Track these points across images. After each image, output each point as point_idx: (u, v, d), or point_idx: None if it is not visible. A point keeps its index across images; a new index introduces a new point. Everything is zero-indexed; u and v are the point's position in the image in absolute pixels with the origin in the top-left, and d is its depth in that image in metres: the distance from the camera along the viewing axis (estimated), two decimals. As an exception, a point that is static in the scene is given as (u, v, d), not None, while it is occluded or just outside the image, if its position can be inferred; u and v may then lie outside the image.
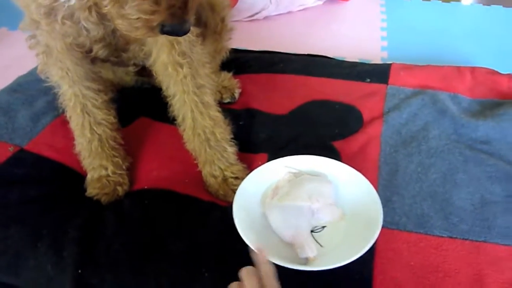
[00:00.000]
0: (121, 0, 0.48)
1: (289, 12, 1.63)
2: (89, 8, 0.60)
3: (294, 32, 1.53)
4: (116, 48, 0.75)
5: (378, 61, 1.31)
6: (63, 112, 0.84)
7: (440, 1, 1.77)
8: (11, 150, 0.85)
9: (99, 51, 0.72)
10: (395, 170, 0.79)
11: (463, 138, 0.85)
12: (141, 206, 0.75)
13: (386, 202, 0.73)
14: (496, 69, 1.08)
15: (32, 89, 1.02)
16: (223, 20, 0.98)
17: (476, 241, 0.67)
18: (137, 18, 0.49)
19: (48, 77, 0.77)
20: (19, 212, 0.73)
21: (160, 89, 0.79)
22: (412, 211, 0.72)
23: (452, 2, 1.77)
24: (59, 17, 0.62)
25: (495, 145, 0.83)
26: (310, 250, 0.63)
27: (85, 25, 0.64)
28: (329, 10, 1.69)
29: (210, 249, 0.68)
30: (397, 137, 0.87)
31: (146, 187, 0.80)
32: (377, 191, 0.72)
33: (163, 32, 0.51)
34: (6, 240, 0.69)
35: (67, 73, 0.72)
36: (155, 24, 0.49)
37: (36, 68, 1.13)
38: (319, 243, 0.66)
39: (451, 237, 0.68)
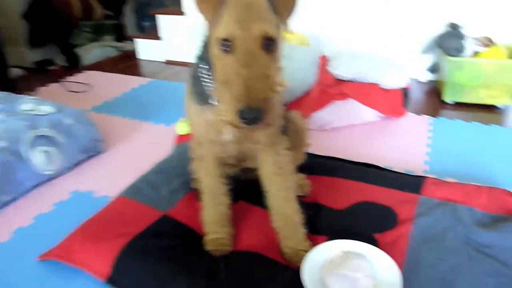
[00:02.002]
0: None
1: (351, 125, 2.06)
2: (235, 141, 1.07)
3: (354, 142, 1.93)
4: (240, 160, 1.21)
5: (420, 173, 1.65)
6: (191, 191, 1.31)
7: (481, 123, 2.10)
8: (157, 214, 1.31)
9: (230, 161, 1.19)
10: (417, 259, 1.13)
11: (471, 242, 1.17)
12: (241, 261, 1.15)
13: (407, 281, 1.06)
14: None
15: (171, 172, 1.51)
16: (302, 139, 1.43)
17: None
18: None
19: (195, 173, 1.24)
20: (166, 254, 1.15)
21: (255, 180, 1.21)
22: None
23: (492, 125, 2.08)
24: (216, 144, 1.09)
25: (494, 249, 1.14)
26: None
27: (229, 149, 1.11)
28: (385, 124, 2.09)
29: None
30: (422, 236, 1.20)
31: (243, 249, 1.20)
32: (402, 271, 1.06)
33: (239, 115, 0.80)
34: (158, 271, 1.11)
35: (210, 172, 1.18)
36: (233, 112, 0.81)
37: (169, 156, 1.63)
38: None
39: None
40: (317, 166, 1.55)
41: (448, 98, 2.35)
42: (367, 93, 2.01)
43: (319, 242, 1.19)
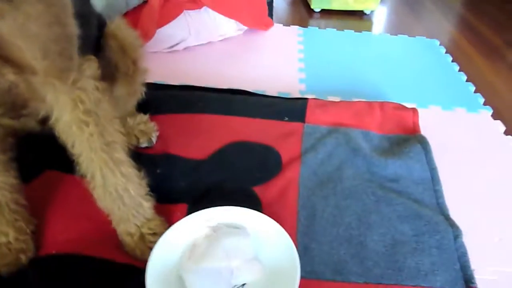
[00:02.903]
0: None
1: (209, 43, 1.62)
2: None
3: (214, 63, 1.52)
4: (13, 107, 0.68)
5: (296, 94, 1.34)
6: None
7: (353, 31, 1.88)
8: None
9: None
10: (312, 214, 0.81)
11: (375, 177, 0.90)
12: (48, 276, 0.69)
13: (305, 250, 0.74)
14: (402, 99, 1.16)
15: None
16: (135, 62, 0.94)
17: (389, 284, 0.70)
18: None
19: None
20: None
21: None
22: (330, 258, 0.74)
23: (363, 32, 1.88)
24: None
25: (402, 183, 0.89)
26: None
27: None
28: (249, 40, 1.71)
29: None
30: (314, 179, 0.89)
31: (54, 251, 0.73)
32: (297, 238, 0.73)
33: None
34: None
35: None
36: None
37: None
38: None
39: (366, 283, 0.70)
40: (165, 101, 1.10)
41: (315, 5, 2.07)
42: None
43: (176, 216, 0.79)
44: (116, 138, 0.71)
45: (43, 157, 0.90)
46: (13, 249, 0.71)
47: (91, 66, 0.67)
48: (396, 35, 1.88)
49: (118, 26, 0.90)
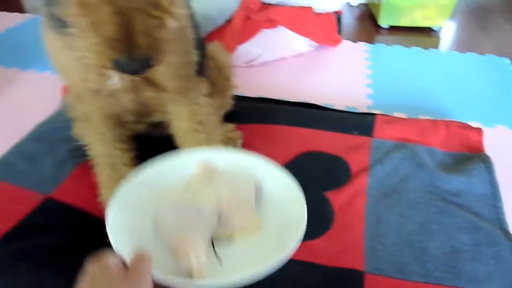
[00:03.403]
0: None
1: (282, 58, 1.76)
2: (128, 90, 0.71)
3: (287, 77, 1.65)
4: (142, 115, 0.86)
5: (364, 108, 1.44)
6: (83, 160, 0.96)
7: (421, 48, 1.93)
8: (36, 198, 0.95)
9: (129, 117, 0.84)
10: (378, 220, 0.92)
11: (437, 190, 0.98)
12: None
13: (372, 250, 0.85)
14: (468, 117, 1.21)
15: (54, 137, 1.12)
16: (228, 79, 1.11)
17: (448, 285, 0.79)
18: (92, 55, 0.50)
19: (81, 138, 0.88)
20: (48, 259, 0.82)
21: (170, 138, 0.89)
22: (393, 258, 0.84)
23: (431, 49, 1.93)
24: (102, 95, 0.73)
25: (464, 198, 0.96)
26: (195, 259, 0.51)
27: (123, 101, 0.75)
28: (319, 55, 1.83)
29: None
30: (380, 189, 0.99)
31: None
32: (364, 239, 0.84)
33: (116, 67, 0.50)
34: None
35: (101, 137, 0.83)
36: (105, 59, 0.49)
37: (53, 115, 1.24)
38: (218, 257, 0.55)
39: (426, 283, 0.80)
40: (247, 112, 1.26)
41: (383, 21, 2.14)
42: (299, 18, 1.70)
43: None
44: (219, 144, 0.87)
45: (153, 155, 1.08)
46: None
47: (205, 86, 0.83)
48: (465, 52, 1.90)
49: (216, 49, 1.08)
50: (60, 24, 0.63)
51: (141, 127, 1.10)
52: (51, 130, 1.14)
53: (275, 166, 0.66)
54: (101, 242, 0.86)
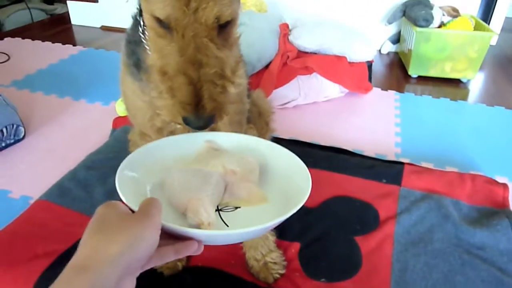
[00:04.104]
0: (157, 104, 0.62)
1: (315, 102, 1.86)
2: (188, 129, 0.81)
3: (319, 121, 1.74)
4: None
5: (392, 156, 1.50)
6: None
7: (449, 99, 1.99)
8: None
9: None
10: (405, 268, 0.96)
11: (462, 242, 1.03)
12: (198, 280, 0.93)
13: (397, 296, 0.90)
14: (494, 171, 1.26)
15: (105, 166, 1.23)
16: (267, 123, 1.20)
17: None
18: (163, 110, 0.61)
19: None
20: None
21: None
22: (418, 306, 0.89)
23: (459, 101, 1.98)
24: (165, 132, 0.83)
25: (488, 252, 1.00)
26: (205, 214, 0.55)
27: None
28: (350, 101, 1.92)
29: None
30: (407, 237, 1.04)
31: (200, 264, 0.98)
32: (390, 285, 0.89)
33: (185, 123, 0.60)
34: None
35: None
36: (177, 116, 0.60)
37: (103, 146, 1.35)
38: (224, 222, 0.59)
39: (450, 334, 0.84)
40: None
41: (413, 71, 2.22)
42: (333, 67, 1.81)
43: (290, 250, 0.99)
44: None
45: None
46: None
47: (253, 132, 0.92)
48: (493, 105, 1.94)
49: (258, 96, 1.18)
50: (136, 72, 0.75)
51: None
52: (103, 160, 1.26)
53: (279, 146, 0.71)
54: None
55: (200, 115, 0.59)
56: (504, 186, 1.22)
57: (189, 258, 1.00)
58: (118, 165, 1.05)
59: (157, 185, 0.63)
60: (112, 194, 1.13)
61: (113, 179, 1.14)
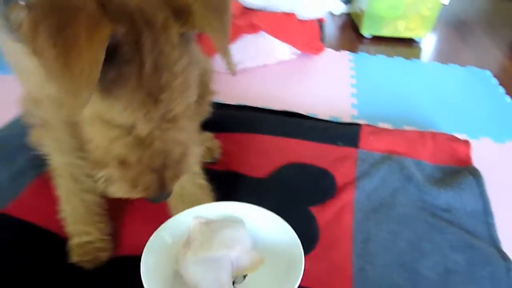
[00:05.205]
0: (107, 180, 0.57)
1: (265, 65, 1.70)
2: None
3: (269, 85, 1.59)
4: None
5: (348, 118, 1.39)
6: (43, 171, 0.86)
7: (403, 58, 1.91)
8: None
9: None
10: (367, 238, 0.85)
11: (427, 205, 0.93)
12: (125, 274, 0.77)
13: (360, 272, 0.78)
14: (452, 129, 1.19)
15: (12, 144, 1.02)
16: (206, 85, 1.03)
17: (441, 311, 0.74)
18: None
19: (39, 147, 0.78)
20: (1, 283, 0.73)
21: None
22: (383, 280, 0.78)
23: (413, 60, 1.91)
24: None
25: (455, 214, 0.91)
26: None
27: None
28: (302, 64, 1.78)
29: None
30: (368, 203, 0.93)
31: (130, 254, 0.81)
32: (352, 259, 0.77)
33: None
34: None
35: (61, 144, 0.74)
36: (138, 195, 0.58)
37: (13, 121, 1.13)
38: None
39: (419, 307, 0.74)
40: (227, 120, 1.18)
41: (366, 31, 2.12)
42: (282, 25, 1.65)
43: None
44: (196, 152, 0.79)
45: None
46: (94, 248, 0.80)
47: None
48: (446, 63, 1.89)
49: (197, 53, 1.00)
50: (18, 30, 0.56)
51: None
52: (9, 138, 1.04)
53: (258, 208, 0.75)
54: (61, 262, 0.77)
55: (163, 196, 0.59)
56: (466, 142, 1.14)
57: (116, 247, 0.83)
58: (28, 143, 0.87)
59: (175, 277, 0.67)
60: (18, 177, 0.93)
61: (20, 160, 0.95)
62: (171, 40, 0.49)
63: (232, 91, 1.51)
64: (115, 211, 0.87)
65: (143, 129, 0.52)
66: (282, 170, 1.02)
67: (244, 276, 0.66)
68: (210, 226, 0.70)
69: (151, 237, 0.68)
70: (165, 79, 0.49)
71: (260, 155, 1.06)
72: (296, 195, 0.94)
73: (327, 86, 1.62)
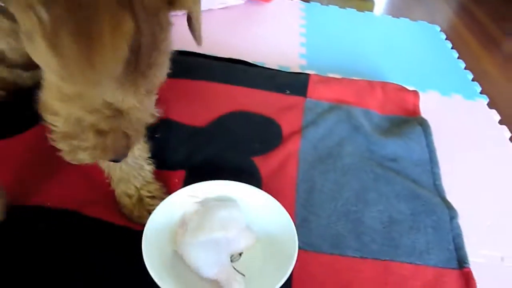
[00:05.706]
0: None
1: (209, 10, 1.57)
2: None
3: (214, 31, 1.48)
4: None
5: (296, 68, 1.32)
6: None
7: (355, 10, 1.85)
8: None
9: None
10: (311, 188, 0.81)
11: (374, 155, 0.90)
12: (36, 229, 0.67)
13: (303, 222, 0.74)
14: (401, 81, 1.17)
15: None
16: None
17: (384, 260, 0.71)
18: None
19: None
20: None
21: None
22: (327, 231, 0.74)
23: (365, 12, 1.86)
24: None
25: (401, 163, 0.89)
26: (237, 284, 0.61)
27: None
28: (250, 10, 1.67)
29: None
30: (314, 153, 0.88)
31: (48, 204, 0.71)
32: (295, 210, 0.73)
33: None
34: None
35: None
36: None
37: None
38: (240, 273, 0.64)
39: (362, 257, 0.71)
40: (166, 65, 1.06)
41: (318, -20, 2.02)
42: (228, -35, 1.52)
43: (173, 182, 0.77)
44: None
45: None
46: None
47: None
48: (398, 17, 1.86)
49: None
50: None
51: (27, 76, 0.88)
52: None
53: (252, 187, 0.73)
54: None
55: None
56: (415, 93, 1.12)
57: (29, 194, 0.72)
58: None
59: (174, 257, 0.66)
60: None
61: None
62: (161, 22, 0.50)
63: (175, 36, 1.38)
64: (23, 158, 0.76)
65: (128, 102, 0.53)
66: (223, 119, 0.94)
67: (240, 254, 0.68)
68: (205, 205, 0.71)
69: (149, 217, 0.67)
70: (154, 58, 0.51)
71: (201, 102, 0.97)
72: (238, 145, 0.87)
73: (276, 34, 1.53)
